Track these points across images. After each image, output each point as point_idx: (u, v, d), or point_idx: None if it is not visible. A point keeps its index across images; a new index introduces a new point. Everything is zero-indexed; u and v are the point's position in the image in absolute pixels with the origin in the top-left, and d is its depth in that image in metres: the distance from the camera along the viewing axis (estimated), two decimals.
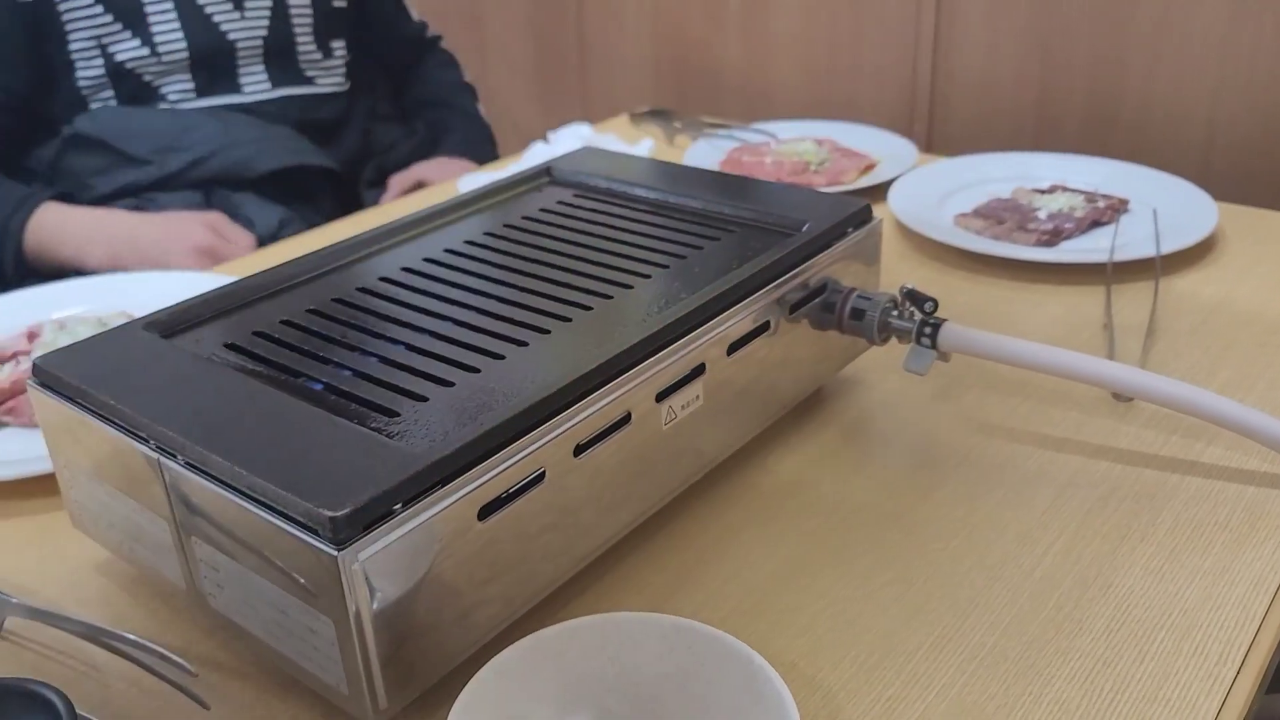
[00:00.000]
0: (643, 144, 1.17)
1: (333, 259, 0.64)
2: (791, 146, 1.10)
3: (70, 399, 0.51)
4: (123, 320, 0.76)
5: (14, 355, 0.73)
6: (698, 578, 0.54)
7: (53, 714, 0.39)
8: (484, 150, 1.25)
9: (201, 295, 0.59)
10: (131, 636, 0.48)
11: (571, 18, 1.52)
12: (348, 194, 1.12)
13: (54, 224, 0.97)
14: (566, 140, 1.15)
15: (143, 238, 0.95)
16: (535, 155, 1.13)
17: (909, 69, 1.24)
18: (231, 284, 0.60)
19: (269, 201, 1.02)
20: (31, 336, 0.75)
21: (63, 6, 1.02)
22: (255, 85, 1.11)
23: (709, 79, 1.42)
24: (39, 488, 0.62)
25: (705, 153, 1.13)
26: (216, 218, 0.98)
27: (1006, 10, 1.14)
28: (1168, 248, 0.83)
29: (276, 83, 1.11)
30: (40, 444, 0.66)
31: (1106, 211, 0.91)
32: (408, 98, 1.26)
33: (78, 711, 0.39)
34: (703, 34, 1.40)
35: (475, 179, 1.08)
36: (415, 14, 1.28)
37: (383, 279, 0.62)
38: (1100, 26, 1.09)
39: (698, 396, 0.56)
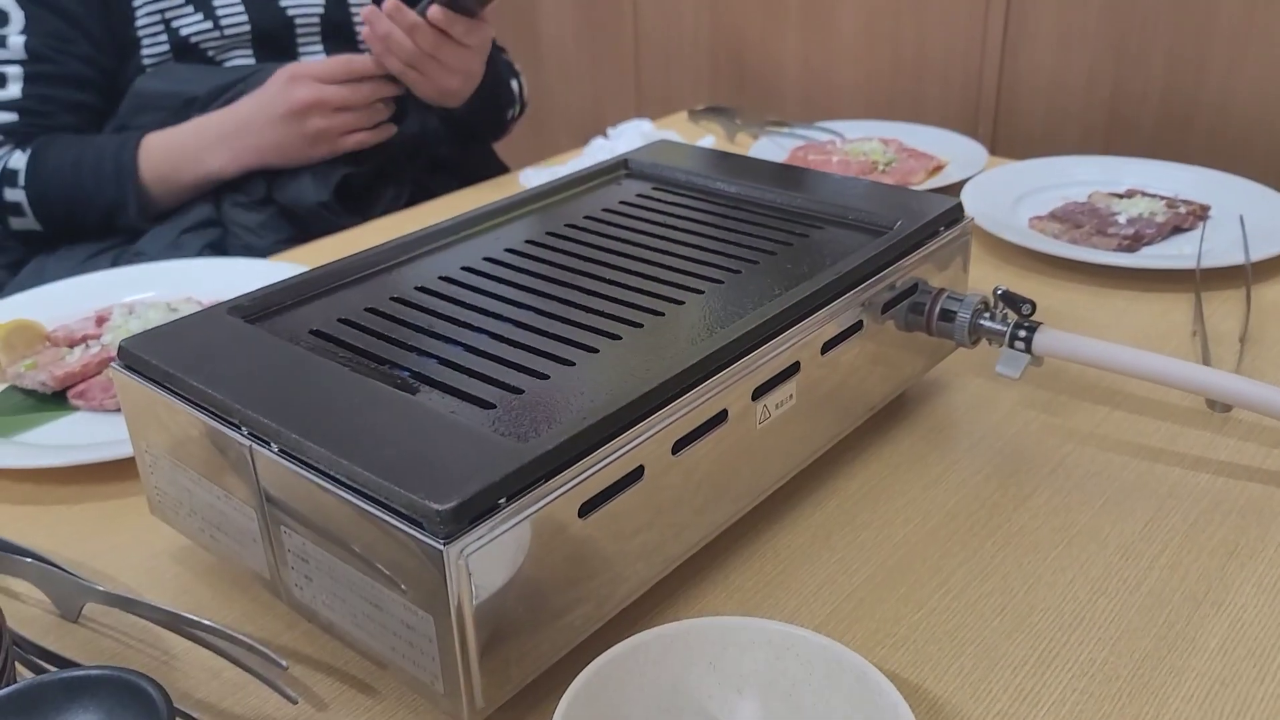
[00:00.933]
0: (703, 141, 1.15)
1: (412, 248, 0.63)
2: (858, 146, 1.08)
3: (156, 382, 0.50)
4: (190, 306, 0.75)
5: (83, 339, 0.73)
6: (789, 583, 0.52)
7: (149, 706, 0.38)
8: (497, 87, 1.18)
9: (284, 281, 0.58)
10: (217, 626, 0.47)
11: (628, 13, 1.51)
12: (404, 180, 1.11)
13: (161, 148, 0.98)
14: (627, 135, 1.14)
15: (249, 123, 0.96)
16: (596, 150, 1.12)
17: (976, 68, 1.21)
18: (313, 270, 0.59)
19: None
20: (100, 320, 0.75)
21: None
22: (313, 59, 1.11)
23: (768, 77, 1.40)
24: (112, 472, 0.62)
25: (769, 151, 1.11)
26: (296, 65, 0.98)
27: (1079, 7, 1.12)
28: (1256, 255, 0.80)
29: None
30: (111, 428, 0.66)
31: (1188, 217, 0.89)
32: None
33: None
34: (762, 31, 1.38)
35: (540, 173, 1.07)
36: None
37: (465, 268, 0.61)
38: (1178, 25, 1.07)
39: (791, 396, 0.54)
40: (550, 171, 1.08)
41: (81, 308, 0.78)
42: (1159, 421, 0.65)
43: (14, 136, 1.01)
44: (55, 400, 0.68)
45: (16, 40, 0.99)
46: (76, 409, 0.68)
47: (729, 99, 1.44)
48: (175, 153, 0.97)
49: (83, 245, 1.01)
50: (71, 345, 0.72)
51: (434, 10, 0.95)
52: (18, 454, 0.62)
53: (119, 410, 0.67)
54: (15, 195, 1.00)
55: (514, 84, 1.20)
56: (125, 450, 0.60)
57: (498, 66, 1.12)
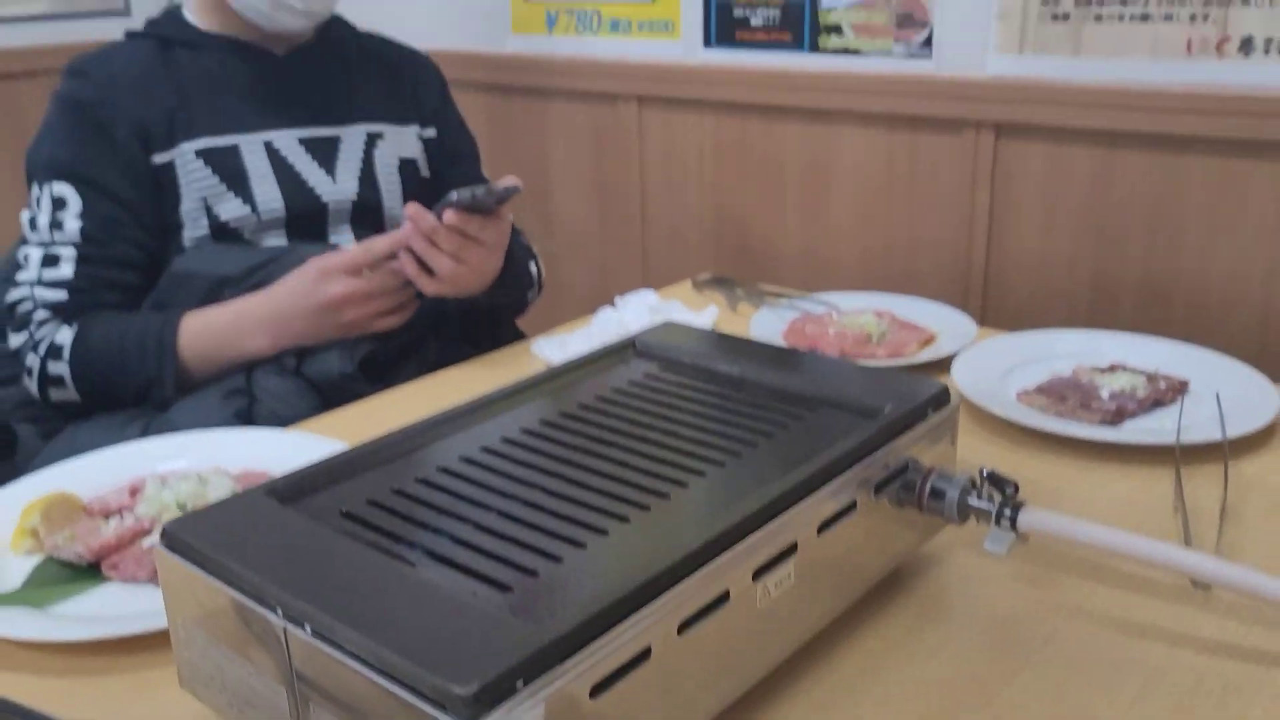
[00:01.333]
0: (707, 311, 1.21)
1: (434, 429, 0.67)
2: (853, 318, 1.14)
3: (198, 564, 0.53)
4: (220, 476, 0.79)
5: (118, 510, 0.76)
6: None
7: None
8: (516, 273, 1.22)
9: (317, 464, 0.62)
10: None
11: (635, 188, 1.60)
12: (426, 353, 1.16)
13: (201, 330, 1.03)
14: (634, 306, 1.20)
15: (286, 313, 1.02)
16: (604, 320, 1.18)
17: (965, 247, 1.29)
18: (343, 454, 0.63)
19: None
20: (134, 491, 0.79)
21: (181, 171, 1.10)
22: (342, 241, 1.18)
23: (768, 251, 1.48)
24: (143, 644, 0.64)
25: (770, 322, 1.17)
26: (323, 260, 1.02)
27: (1060, 190, 1.20)
28: (1232, 432, 0.84)
29: (360, 238, 1.19)
30: (142, 600, 0.69)
31: (1168, 393, 0.94)
32: None
33: None
34: (761, 211, 1.46)
35: (550, 342, 1.12)
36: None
37: (485, 449, 0.65)
38: (1153, 208, 1.14)
39: (790, 575, 0.57)
40: (560, 340, 1.14)
41: (115, 478, 0.82)
42: (1144, 597, 0.67)
43: (60, 313, 1.08)
44: (89, 571, 0.72)
45: (73, 224, 1.07)
46: (109, 580, 0.71)
47: (731, 269, 1.52)
48: (216, 335, 1.03)
49: (113, 415, 1.06)
50: (107, 516, 0.76)
51: (449, 214, 1.00)
52: (51, 627, 0.65)
53: (151, 581, 0.71)
54: (59, 369, 1.06)
55: (532, 266, 1.27)
56: (156, 624, 0.63)
57: (516, 252, 1.18)
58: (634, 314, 1.18)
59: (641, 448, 0.64)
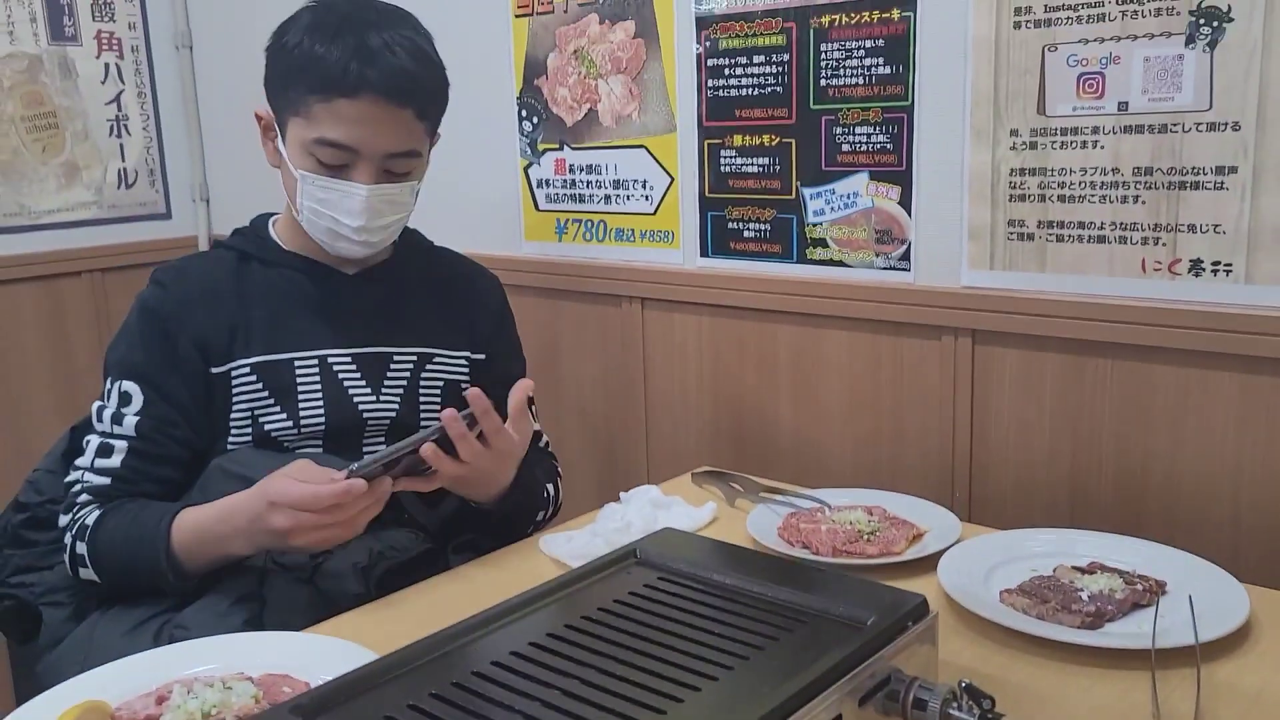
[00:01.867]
0: (706, 507, 1.27)
1: (446, 644, 0.72)
2: (845, 515, 1.19)
3: None
4: (242, 682, 0.83)
5: (145, 719, 0.80)
6: None
7: None
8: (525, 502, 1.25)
9: (338, 680, 0.67)
10: None
11: (639, 381, 1.69)
12: (437, 558, 1.21)
13: (190, 528, 1.08)
14: (636, 501, 1.26)
15: (249, 527, 1.04)
16: (609, 514, 1.24)
17: (948, 441, 1.36)
18: (362, 669, 0.68)
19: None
20: (160, 700, 0.83)
21: (235, 382, 1.19)
22: (373, 451, 1.25)
23: (763, 441, 1.55)
24: None
25: (765, 518, 1.22)
26: (273, 491, 1.02)
27: (1035, 393, 1.27)
28: (1205, 635, 0.88)
29: None
30: None
31: (1145, 594, 0.98)
32: None
33: None
34: (756, 404, 1.54)
35: (556, 539, 1.18)
36: (536, 424, 1.33)
37: (495, 663, 0.70)
38: (1123, 412, 1.21)
39: None
40: (566, 537, 1.19)
41: (142, 683, 0.86)
42: None
43: (100, 498, 1.15)
44: None
45: (131, 420, 1.16)
46: None
47: (728, 457, 1.58)
48: (202, 534, 1.07)
49: (130, 611, 1.11)
50: None
51: (427, 448, 1.03)
52: None
53: None
54: (82, 549, 1.12)
55: (549, 488, 1.30)
56: None
57: (532, 470, 1.22)
58: (637, 510, 1.24)
59: (643, 661, 0.69)
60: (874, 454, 1.43)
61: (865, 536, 1.15)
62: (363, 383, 1.23)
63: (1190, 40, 1.11)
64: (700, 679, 0.66)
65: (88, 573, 1.13)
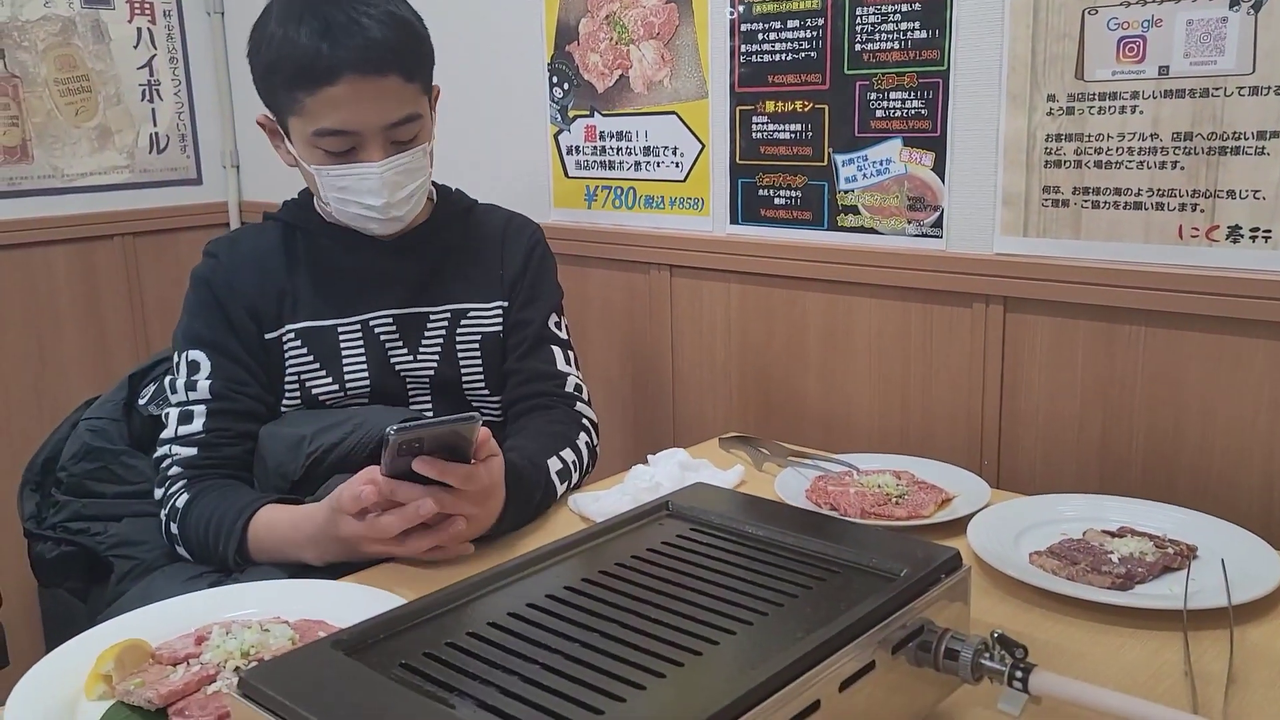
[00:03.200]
0: (734, 469, 1.27)
1: (484, 585, 0.73)
2: (873, 479, 1.19)
3: (272, 710, 0.59)
4: (279, 626, 0.85)
5: (185, 658, 0.82)
6: None
7: None
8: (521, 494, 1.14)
9: (378, 617, 0.68)
10: None
11: (666, 349, 1.69)
12: None
13: (265, 533, 1.09)
14: (664, 463, 1.26)
15: (320, 536, 1.04)
16: (637, 475, 1.24)
17: (977, 409, 1.35)
18: (401, 607, 0.69)
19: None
20: (199, 640, 0.84)
21: (286, 348, 1.22)
22: (421, 408, 1.27)
23: (790, 409, 1.55)
24: None
25: (793, 480, 1.22)
26: (337, 499, 1.01)
27: (1066, 361, 1.27)
28: (1238, 598, 0.88)
29: (439, 411, 1.27)
30: None
31: (1176, 558, 0.98)
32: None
33: None
34: (785, 366, 1.54)
35: (586, 498, 1.18)
36: (562, 363, 1.32)
37: (530, 605, 0.70)
38: (1156, 380, 1.21)
39: None
40: (594, 497, 1.20)
41: (183, 625, 0.88)
42: None
43: (190, 470, 1.17)
44: (158, 716, 0.76)
45: (204, 384, 1.19)
46: None
47: (755, 426, 1.58)
48: (276, 540, 1.08)
49: (190, 568, 1.14)
50: (175, 664, 0.81)
51: (417, 463, 0.98)
52: None
53: None
54: (176, 529, 1.16)
55: (569, 454, 1.23)
56: None
57: (527, 485, 1.14)
58: (665, 471, 1.24)
59: (676, 605, 0.70)
60: (902, 422, 1.43)
61: (894, 500, 1.15)
62: (401, 344, 1.26)
63: (1234, 3, 1.09)
64: (735, 623, 0.67)
65: (181, 551, 1.17)
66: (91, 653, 0.81)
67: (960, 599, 0.75)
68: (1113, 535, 1.03)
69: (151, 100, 2.32)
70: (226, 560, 1.10)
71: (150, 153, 2.33)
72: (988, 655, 0.70)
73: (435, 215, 1.31)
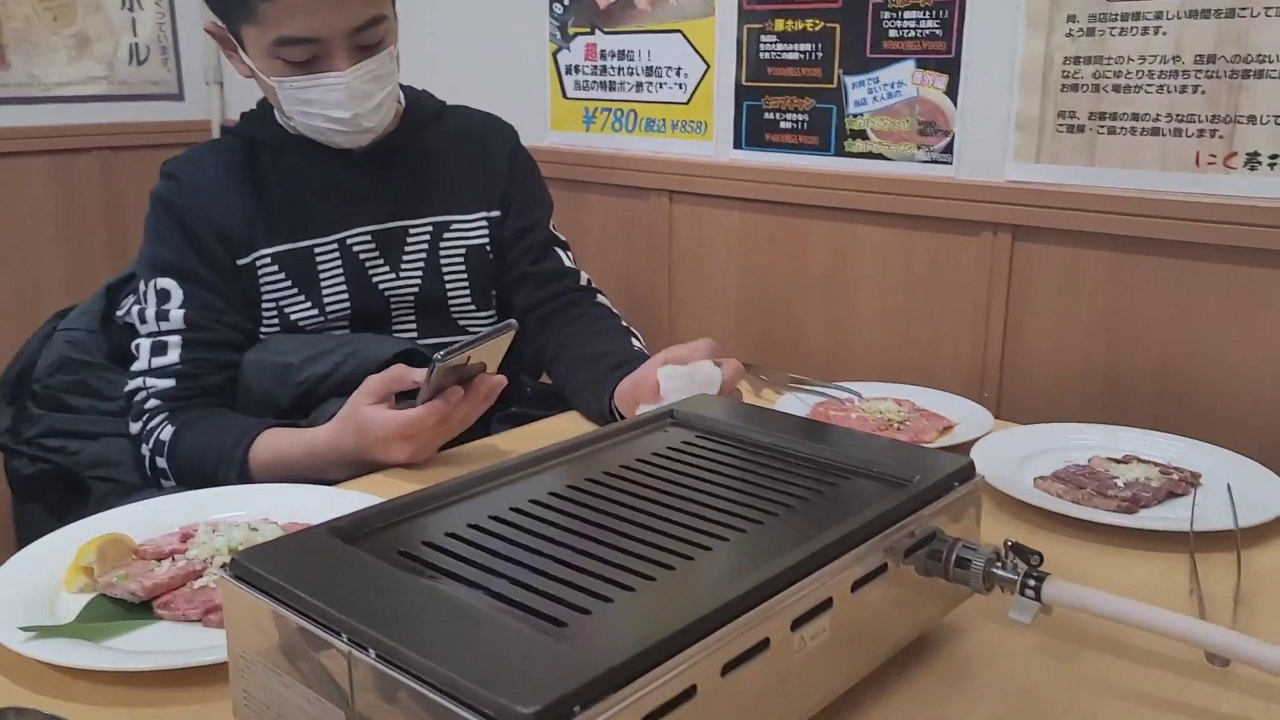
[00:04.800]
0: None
1: (485, 481, 0.71)
2: (875, 405, 1.17)
3: (265, 592, 0.56)
4: (269, 526, 0.82)
5: (170, 553, 0.79)
6: None
7: None
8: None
9: (376, 506, 0.65)
10: None
11: (663, 278, 1.66)
12: (478, 428, 1.19)
13: (271, 461, 1.06)
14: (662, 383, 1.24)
15: (350, 452, 1.02)
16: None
17: (982, 339, 1.33)
18: (400, 498, 0.67)
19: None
20: (185, 537, 0.82)
21: (260, 274, 1.17)
22: (404, 332, 1.23)
23: (791, 339, 1.53)
24: (195, 678, 0.67)
25: (793, 406, 1.20)
26: (382, 428, 0.99)
27: (1075, 291, 1.25)
28: (1244, 522, 0.87)
29: (424, 332, 1.23)
30: (192, 637, 0.71)
31: (1180, 484, 0.96)
32: (564, 356, 1.25)
33: None
34: (786, 296, 1.52)
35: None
36: (569, 261, 1.31)
37: (533, 500, 0.68)
38: (1166, 311, 1.19)
39: (825, 629, 0.60)
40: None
41: (167, 524, 0.85)
42: (1161, 672, 0.69)
43: (170, 403, 1.13)
44: (141, 609, 0.74)
45: (177, 313, 1.14)
46: (160, 618, 0.73)
47: (755, 355, 1.56)
48: (284, 461, 1.05)
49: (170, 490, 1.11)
50: (159, 559, 0.78)
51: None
52: (108, 658, 0.67)
53: (200, 621, 0.73)
54: (163, 464, 1.12)
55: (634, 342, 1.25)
56: (209, 658, 0.66)
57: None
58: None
59: (685, 505, 0.67)
60: (905, 352, 1.41)
61: (895, 425, 1.13)
62: (381, 261, 1.21)
63: None
64: (745, 522, 0.65)
65: (170, 484, 1.13)
66: (71, 547, 0.79)
67: (972, 509, 0.73)
68: (1118, 462, 1.02)
69: (132, 8, 2.25)
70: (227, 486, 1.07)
71: (130, 64, 2.26)
72: (1000, 564, 0.68)
73: (406, 122, 1.24)
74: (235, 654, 0.59)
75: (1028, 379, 1.31)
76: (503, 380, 1.03)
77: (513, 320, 0.99)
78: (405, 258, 1.22)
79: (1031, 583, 0.67)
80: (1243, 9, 1.08)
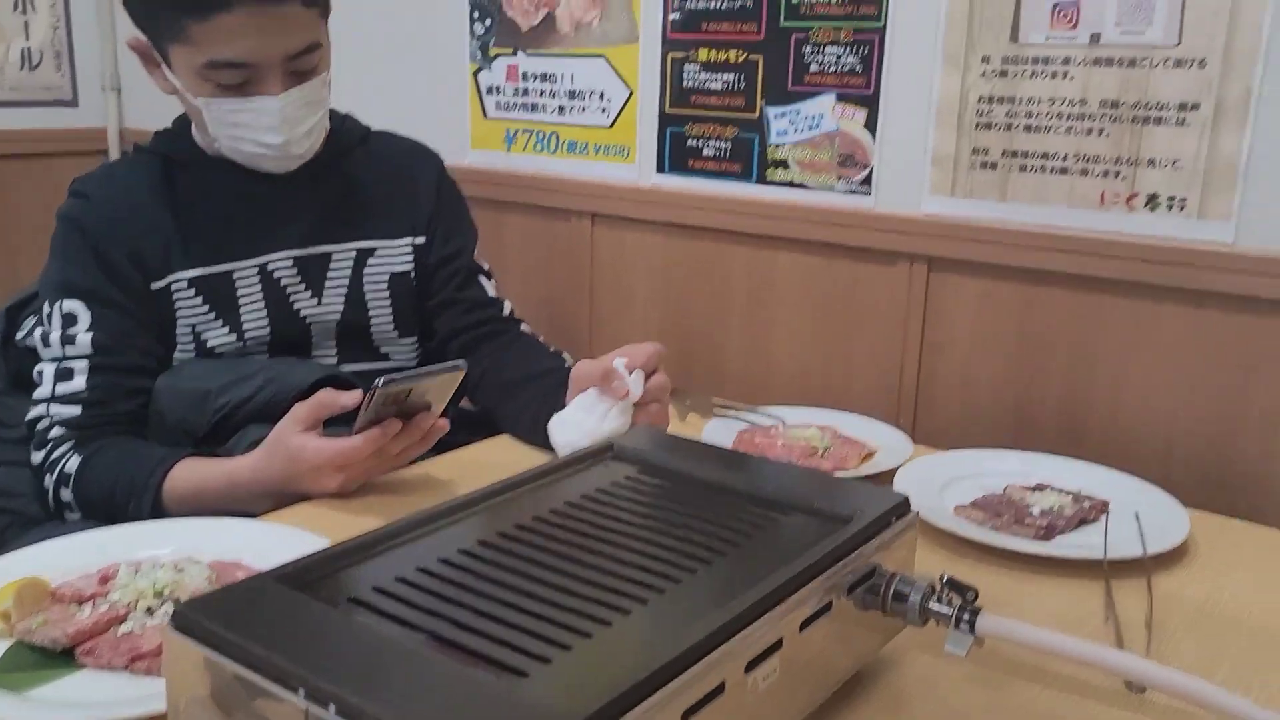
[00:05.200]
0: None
1: (431, 521, 0.70)
2: (799, 431, 1.20)
3: (213, 645, 0.54)
4: (194, 566, 0.80)
5: (91, 597, 0.76)
6: None
7: None
8: None
9: (320, 552, 0.64)
10: None
11: (585, 300, 1.66)
12: None
13: (186, 497, 1.02)
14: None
15: (275, 482, 0.99)
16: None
17: (898, 366, 1.37)
18: (344, 543, 0.65)
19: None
20: (104, 579, 0.78)
21: (176, 298, 1.13)
22: (325, 358, 1.20)
23: (712, 363, 1.55)
24: None
25: (719, 432, 1.22)
26: (313, 457, 0.97)
27: (988, 321, 1.30)
28: (1152, 549, 0.92)
29: (344, 358, 1.20)
30: (118, 686, 0.69)
31: (1092, 511, 1.01)
32: (497, 380, 1.24)
33: None
34: (708, 320, 1.54)
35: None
36: (492, 291, 1.30)
37: (481, 541, 0.67)
38: (1073, 341, 1.24)
39: (775, 669, 0.61)
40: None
41: (83, 564, 0.81)
42: (1084, 699, 0.73)
43: (75, 431, 1.08)
44: (63, 658, 0.71)
45: (85, 337, 1.09)
46: (83, 667, 0.70)
47: (678, 378, 1.57)
48: (201, 492, 1.01)
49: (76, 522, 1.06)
50: (80, 603, 0.75)
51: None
52: (35, 711, 0.64)
53: (126, 669, 0.70)
54: (67, 496, 1.07)
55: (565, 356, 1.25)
56: (142, 709, 0.63)
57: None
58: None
59: (633, 545, 0.68)
60: (824, 377, 1.44)
61: (819, 453, 1.15)
62: (303, 287, 1.18)
63: None
64: (694, 562, 0.65)
65: (74, 516, 1.08)
66: None
67: (908, 544, 0.76)
68: (1032, 490, 1.06)
69: (24, 10, 2.15)
70: (139, 519, 1.02)
71: (21, 69, 2.16)
72: (935, 599, 0.71)
73: (330, 146, 1.21)
74: (176, 708, 0.57)
75: (943, 405, 1.35)
76: (446, 425, 1.02)
77: (462, 361, 0.98)
78: (328, 283, 1.20)
79: (967, 617, 0.69)
80: (1143, 59, 1.15)
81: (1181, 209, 1.15)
